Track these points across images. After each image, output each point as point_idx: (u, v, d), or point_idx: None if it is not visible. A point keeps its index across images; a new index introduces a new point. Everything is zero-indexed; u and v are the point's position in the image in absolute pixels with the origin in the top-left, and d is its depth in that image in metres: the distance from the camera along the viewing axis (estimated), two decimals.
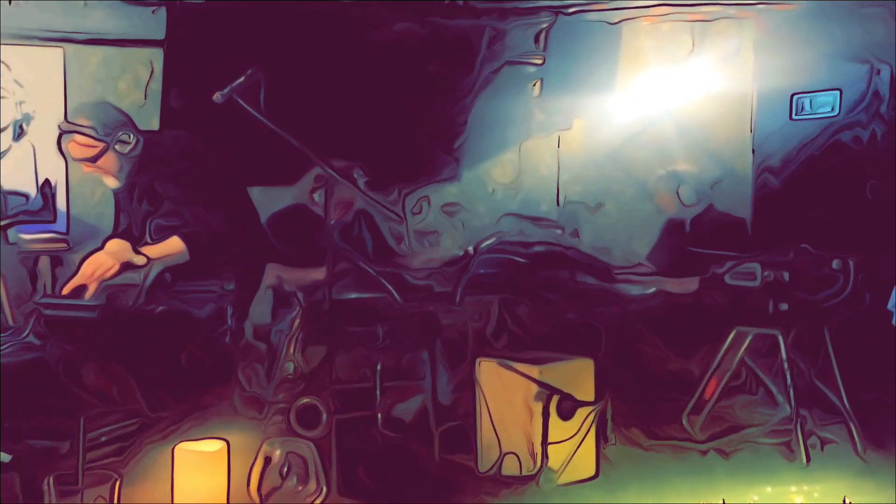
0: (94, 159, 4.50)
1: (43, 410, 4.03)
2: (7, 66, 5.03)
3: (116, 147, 4.49)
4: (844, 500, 3.89)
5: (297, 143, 4.98)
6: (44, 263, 4.69)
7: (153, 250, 4.48)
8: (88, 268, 4.35)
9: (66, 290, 4.35)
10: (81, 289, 4.34)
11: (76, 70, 5.12)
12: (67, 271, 4.57)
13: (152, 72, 5.26)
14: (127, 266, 4.39)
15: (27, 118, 4.98)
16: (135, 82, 5.23)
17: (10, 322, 4.34)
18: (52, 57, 5.08)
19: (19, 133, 4.95)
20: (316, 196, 5.04)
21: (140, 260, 4.43)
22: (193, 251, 4.51)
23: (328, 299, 4.52)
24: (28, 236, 4.78)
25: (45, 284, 4.63)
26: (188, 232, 4.49)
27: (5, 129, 4.93)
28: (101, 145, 4.47)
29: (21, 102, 5.02)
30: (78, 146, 4.50)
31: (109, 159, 4.52)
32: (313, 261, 4.77)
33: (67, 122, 4.52)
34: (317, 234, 4.75)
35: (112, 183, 4.61)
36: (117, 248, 4.41)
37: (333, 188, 4.81)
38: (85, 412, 4.00)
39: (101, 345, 4.22)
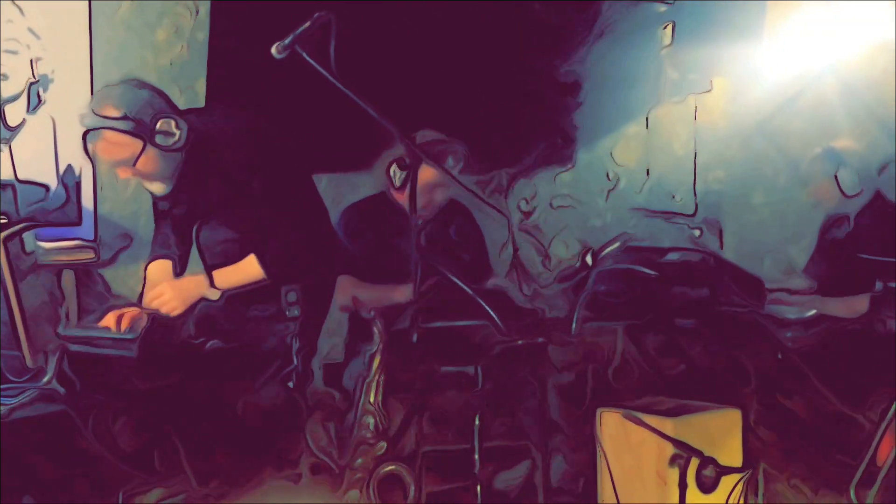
0: (132, 162, 3.46)
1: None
2: (20, 8, 4.10)
3: (157, 141, 3.43)
4: None
5: (374, 112, 3.97)
6: (68, 281, 3.75)
7: (226, 278, 3.58)
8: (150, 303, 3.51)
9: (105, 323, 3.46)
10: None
11: (105, 16, 4.16)
12: (94, 289, 3.73)
13: (196, 17, 4.30)
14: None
15: (45, 81, 4.06)
16: (175, 31, 4.26)
17: (29, 363, 3.45)
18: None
19: (37, 102, 4.02)
20: (394, 178, 4.06)
21: (214, 295, 3.55)
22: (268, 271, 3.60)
23: (415, 328, 3.65)
24: (48, 244, 3.85)
25: (67, 310, 3.68)
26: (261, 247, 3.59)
27: (19, 96, 4.01)
28: (139, 143, 3.42)
29: (38, 59, 4.09)
30: (109, 146, 3.44)
31: (150, 159, 3.46)
32: (395, 273, 3.90)
33: (93, 113, 3.39)
34: (399, 235, 3.83)
35: (159, 188, 3.61)
36: (189, 286, 3.56)
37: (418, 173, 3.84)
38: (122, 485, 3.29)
39: (138, 394, 3.42)
